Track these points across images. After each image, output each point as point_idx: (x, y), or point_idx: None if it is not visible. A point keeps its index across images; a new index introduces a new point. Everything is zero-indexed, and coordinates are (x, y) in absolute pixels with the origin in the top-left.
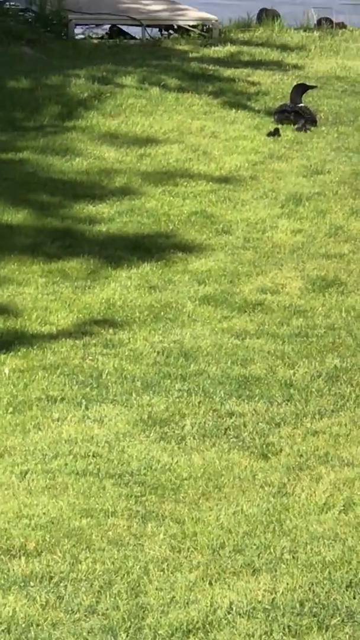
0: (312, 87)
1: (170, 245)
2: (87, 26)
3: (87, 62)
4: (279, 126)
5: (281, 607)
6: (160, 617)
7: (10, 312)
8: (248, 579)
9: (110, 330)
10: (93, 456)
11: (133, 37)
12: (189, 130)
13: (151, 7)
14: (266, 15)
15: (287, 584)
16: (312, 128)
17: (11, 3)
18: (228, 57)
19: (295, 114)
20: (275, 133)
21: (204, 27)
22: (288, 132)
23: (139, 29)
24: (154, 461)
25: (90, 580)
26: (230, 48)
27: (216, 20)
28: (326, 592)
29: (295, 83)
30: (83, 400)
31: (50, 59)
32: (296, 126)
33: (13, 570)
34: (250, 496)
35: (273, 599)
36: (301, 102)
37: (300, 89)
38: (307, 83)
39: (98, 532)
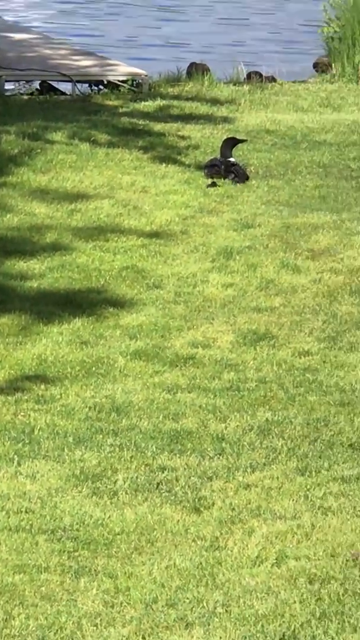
0: (242, 141)
1: (102, 301)
2: (17, 82)
3: (18, 118)
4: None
5: None
6: None
7: None
8: (181, 633)
9: (42, 386)
10: (26, 512)
11: (63, 93)
12: (120, 185)
13: (81, 63)
14: (196, 70)
15: (220, 637)
16: (243, 182)
17: None
18: (158, 111)
19: (225, 168)
20: (214, 184)
21: (134, 82)
22: (219, 188)
23: (69, 84)
24: (87, 516)
25: (24, 636)
26: (160, 102)
27: (146, 75)
28: None
29: (225, 137)
30: (15, 456)
31: None
32: (226, 180)
33: None
34: (182, 550)
35: None
36: (231, 156)
37: (230, 143)
38: (237, 137)
39: (31, 588)
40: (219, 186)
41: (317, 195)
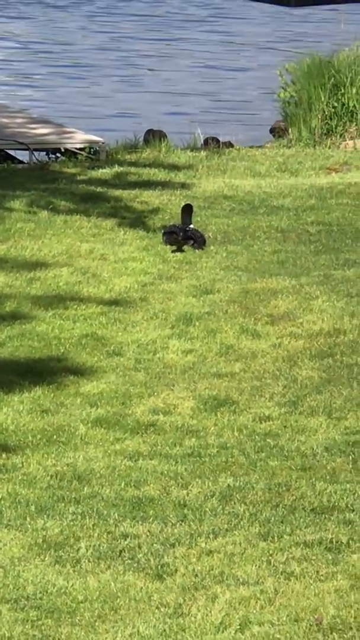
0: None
1: (62, 369)
2: None
3: None
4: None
5: None
6: None
7: None
8: None
9: (3, 455)
10: None
11: (21, 161)
12: (78, 253)
13: (38, 131)
14: (153, 136)
15: None
16: (202, 248)
17: None
18: (116, 178)
19: (183, 235)
20: (179, 249)
21: (91, 150)
22: (178, 255)
23: (26, 152)
24: (50, 585)
25: None
26: (118, 169)
27: (103, 143)
28: None
29: (183, 203)
30: None
31: None
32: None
33: None
34: (146, 617)
35: None
36: (190, 223)
37: (189, 209)
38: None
39: None
40: (183, 250)
41: (275, 260)
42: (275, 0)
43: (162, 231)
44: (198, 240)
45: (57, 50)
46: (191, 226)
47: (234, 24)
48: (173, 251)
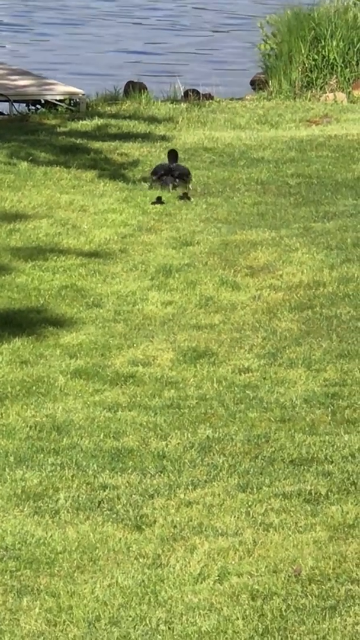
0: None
1: (41, 320)
2: None
3: None
4: (160, 193)
5: None
6: None
7: None
8: None
9: None
10: None
11: (1, 113)
12: (58, 204)
13: (18, 83)
14: (133, 89)
15: None
16: (187, 183)
17: None
18: (96, 130)
19: (169, 172)
20: (158, 201)
21: (72, 101)
22: (157, 207)
23: (6, 104)
24: (29, 535)
25: None
26: (98, 121)
27: (83, 94)
28: None
29: (164, 154)
30: None
31: None
32: (171, 185)
33: None
34: (125, 568)
35: None
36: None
37: (174, 154)
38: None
39: None
40: (163, 203)
41: (255, 213)
42: None
43: (150, 172)
44: (183, 175)
45: (39, 2)
46: (174, 164)
47: None
48: (152, 202)
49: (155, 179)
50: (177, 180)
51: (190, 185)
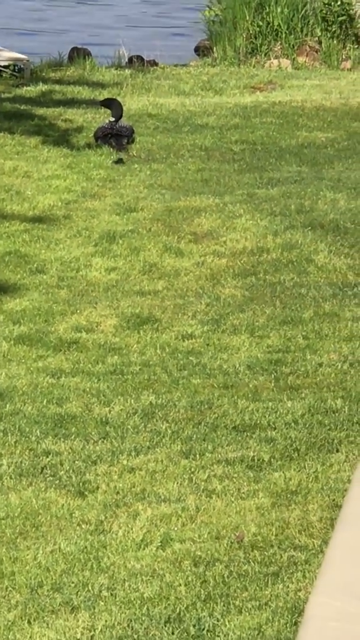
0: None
1: None
2: None
3: None
4: (121, 154)
5: None
6: None
7: None
8: (67, 617)
9: None
10: None
11: None
12: (2, 170)
13: None
14: (77, 55)
15: (106, 621)
16: (129, 143)
17: None
18: (40, 96)
19: (115, 135)
20: (119, 161)
21: (16, 67)
22: (101, 171)
23: None
24: None
25: None
26: (43, 87)
27: (27, 60)
28: (145, 628)
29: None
30: None
31: None
32: (117, 147)
33: None
34: (67, 534)
35: (92, 636)
36: (121, 117)
37: (120, 107)
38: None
39: None
40: (124, 163)
41: (199, 179)
42: None
43: (95, 132)
44: (128, 136)
45: None
46: (121, 124)
47: None
48: (114, 162)
49: (99, 140)
50: (124, 141)
51: (130, 147)
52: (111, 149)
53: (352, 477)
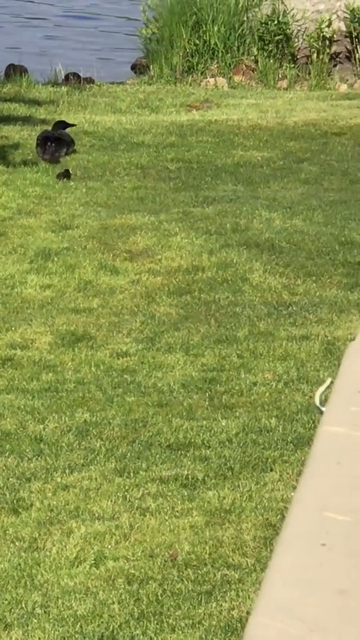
0: (72, 125)
1: None
2: None
3: None
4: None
5: None
6: None
7: None
8: (0, 634)
9: None
10: None
11: None
12: None
13: None
14: (14, 72)
15: (39, 638)
16: (71, 151)
17: None
18: None
19: (56, 140)
20: (64, 175)
21: None
22: (37, 188)
23: None
24: None
25: None
26: None
27: None
28: None
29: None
30: None
31: None
32: (57, 154)
33: None
34: (1, 551)
35: None
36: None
37: (62, 125)
38: (68, 122)
39: None
40: (69, 177)
41: (135, 197)
42: None
43: (37, 137)
44: (70, 144)
45: None
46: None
47: None
48: (57, 176)
49: (40, 144)
50: (64, 148)
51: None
52: (47, 163)
53: (291, 496)
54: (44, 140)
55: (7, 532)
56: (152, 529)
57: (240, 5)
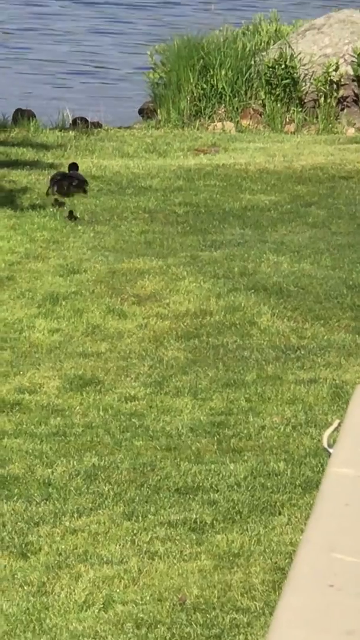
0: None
1: None
2: None
3: None
4: (57, 197)
5: None
6: None
7: None
8: None
9: None
10: None
11: None
12: None
13: None
14: (21, 116)
15: None
16: (84, 190)
17: None
18: None
19: (67, 178)
20: (71, 216)
21: None
22: (45, 232)
23: None
24: None
25: None
26: None
27: None
28: None
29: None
30: None
31: None
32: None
33: None
34: (9, 595)
35: None
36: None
37: (76, 167)
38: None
39: None
40: (77, 218)
41: (143, 241)
42: None
43: (51, 178)
44: (81, 182)
45: None
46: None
47: (103, 3)
48: (67, 217)
49: (52, 183)
50: (73, 184)
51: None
52: (56, 206)
53: (299, 539)
54: (58, 178)
55: (15, 576)
56: (161, 572)
57: (247, 49)
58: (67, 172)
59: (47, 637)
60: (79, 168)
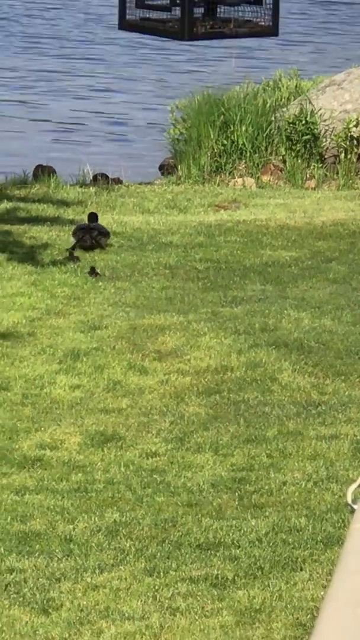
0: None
1: None
2: None
3: None
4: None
5: None
6: None
7: None
8: None
9: None
10: None
11: None
12: None
13: None
14: (42, 172)
15: None
16: (107, 242)
17: None
18: (5, 214)
19: (89, 230)
20: (92, 272)
21: None
22: (65, 288)
23: None
24: None
25: None
26: (7, 205)
27: None
28: None
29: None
30: None
31: None
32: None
33: None
34: None
35: None
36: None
37: (95, 217)
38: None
39: None
40: (98, 274)
41: (163, 297)
42: (167, 33)
43: (74, 230)
44: (102, 233)
45: None
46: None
47: (123, 58)
48: (88, 273)
49: (76, 239)
50: (95, 238)
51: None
52: (72, 260)
53: (322, 595)
54: (81, 230)
55: (37, 632)
56: (183, 628)
57: (267, 105)
58: (88, 224)
59: None
60: (100, 223)
